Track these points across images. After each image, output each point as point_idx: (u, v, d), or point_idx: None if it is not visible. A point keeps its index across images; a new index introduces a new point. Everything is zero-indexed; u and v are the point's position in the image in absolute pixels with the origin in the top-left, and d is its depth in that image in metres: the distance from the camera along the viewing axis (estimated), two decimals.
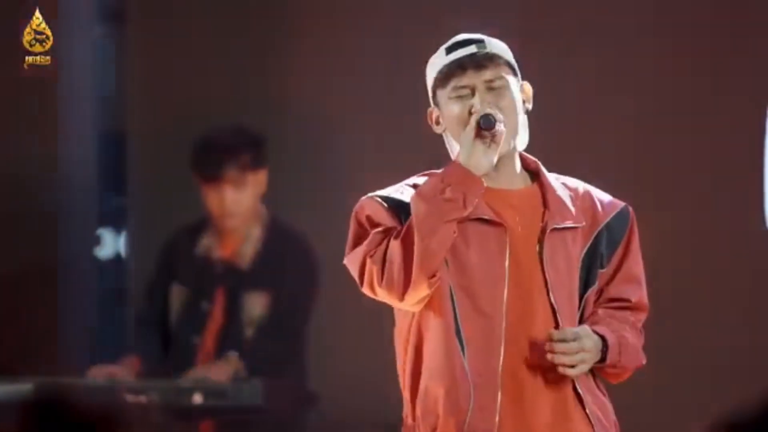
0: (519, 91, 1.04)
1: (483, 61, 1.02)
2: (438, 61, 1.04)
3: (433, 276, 0.96)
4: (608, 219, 1.04)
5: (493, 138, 0.96)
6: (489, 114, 0.96)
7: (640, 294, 1.07)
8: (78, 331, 3.31)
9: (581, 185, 1.08)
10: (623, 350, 1.02)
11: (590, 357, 0.98)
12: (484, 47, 1.03)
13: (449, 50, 1.03)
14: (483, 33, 1.08)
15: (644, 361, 1.08)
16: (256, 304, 2.93)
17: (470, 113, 0.99)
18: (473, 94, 1.00)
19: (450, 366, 0.98)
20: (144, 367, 2.94)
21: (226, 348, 2.94)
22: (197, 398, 2.78)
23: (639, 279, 1.08)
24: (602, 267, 1.04)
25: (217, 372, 2.87)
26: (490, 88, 1.01)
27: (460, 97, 1.01)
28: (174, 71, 3.24)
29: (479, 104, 0.99)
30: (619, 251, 1.05)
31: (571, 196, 1.04)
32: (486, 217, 0.99)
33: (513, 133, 1.01)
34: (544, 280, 0.99)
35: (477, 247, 1.00)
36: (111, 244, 3.55)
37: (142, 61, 3.28)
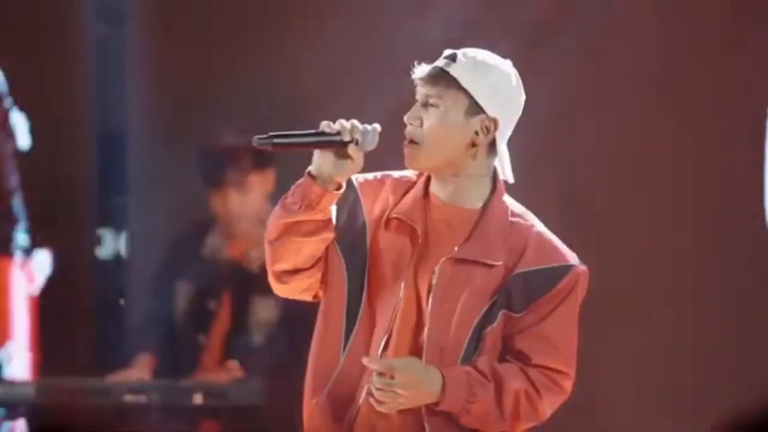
0: (464, 119, 0.97)
1: (432, 77, 0.97)
2: None
3: (283, 274, 0.97)
4: (530, 268, 0.95)
5: (342, 153, 0.92)
6: (271, 135, 0.94)
7: (546, 358, 0.95)
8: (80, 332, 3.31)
9: (533, 227, 0.99)
10: (473, 398, 0.91)
11: (408, 395, 0.89)
12: (449, 65, 0.97)
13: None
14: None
15: (521, 428, 0.98)
16: (265, 309, 2.91)
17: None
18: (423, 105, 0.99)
19: (327, 373, 0.97)
20: (157, 365, 2.93)
21: (233, 350, 2.93)
22: (198, 398, 2.79)
23: (552, 341, 0.95)
24: (514, 311, 0.94)
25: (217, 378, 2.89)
26: (425, 104, 0.97)
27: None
28: (175, 70, 3.22)
29: (407, 117, 0.98)
30: (537, 307, 0.95)
31: (503, 231, 0.97)
32: (402, 218, 0.96)
33: (430, 153, 0.96)
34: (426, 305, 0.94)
35: (388, 246, 0.97)
36: (111, 244, 3.52)
37: (143, 60, 3.27)
